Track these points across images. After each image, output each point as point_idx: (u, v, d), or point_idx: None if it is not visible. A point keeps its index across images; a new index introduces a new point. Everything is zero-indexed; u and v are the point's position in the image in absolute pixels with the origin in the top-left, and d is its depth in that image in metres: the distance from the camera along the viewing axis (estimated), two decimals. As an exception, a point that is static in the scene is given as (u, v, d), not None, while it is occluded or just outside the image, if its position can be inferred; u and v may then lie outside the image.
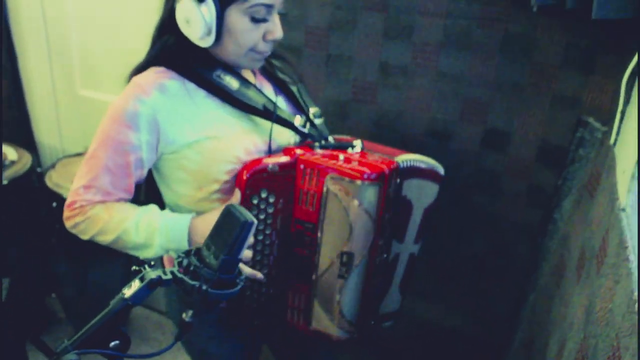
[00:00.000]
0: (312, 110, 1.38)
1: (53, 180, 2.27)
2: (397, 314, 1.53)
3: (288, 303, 1.37)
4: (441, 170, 1.43)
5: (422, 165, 1.37)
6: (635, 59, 1.25)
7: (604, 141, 1.43)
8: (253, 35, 1.19)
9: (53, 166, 2.39)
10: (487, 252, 1.86)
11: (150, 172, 1.30)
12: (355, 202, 1.21)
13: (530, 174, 1.70)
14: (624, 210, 1.10)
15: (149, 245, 1.21)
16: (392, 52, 1.73)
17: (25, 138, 2.76)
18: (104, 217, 1.21)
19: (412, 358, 2.17)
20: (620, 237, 1.03)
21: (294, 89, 1.40)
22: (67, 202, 1.24)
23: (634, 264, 0.92)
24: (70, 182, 1.27)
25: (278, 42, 1.24)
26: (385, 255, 1.34)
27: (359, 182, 1.20)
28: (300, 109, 1.38)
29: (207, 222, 1.19)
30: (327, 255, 1.28)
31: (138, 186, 1.29)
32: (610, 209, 1.17)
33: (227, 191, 1.25)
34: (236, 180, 1.22)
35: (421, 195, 1.39)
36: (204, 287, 0.92)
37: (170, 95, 1.19)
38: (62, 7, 2.44)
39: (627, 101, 1.29)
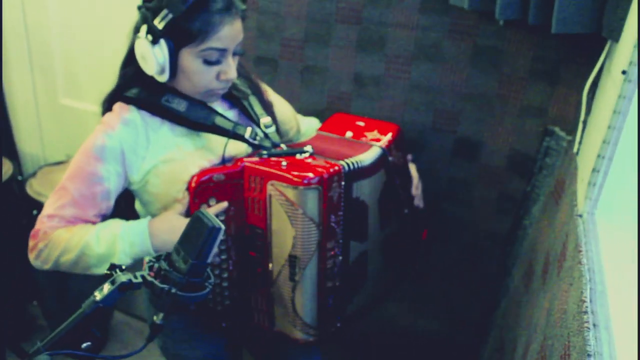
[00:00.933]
0: (263, 120, 1.42)
1: (34, 188, 2.29)
2: (369, 307, 1.56)
3: (252, 305, 1.41)
4: (380, 152, 1.42)
5: (367, 163, 1.37)
6: (595, 70, 1.30)
7: (568, 150, 1.47)
8: (206, 76, 1.24)
9: (34, 174, 2.40)
10: (460, 258, 1.89)
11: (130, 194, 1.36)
12: (296, 207, 1.25)
13: (500, 182, 1.73)
14: (580, 216, 1.15)
15: (112, 254, 1.24)
16: (366, 64, 1.77)
17: (6, 146, 2.77)
18: (65, 236, 1.24)
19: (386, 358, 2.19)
20: (576, 242, 1.08)
21: (245, 103, 1.43)
22: (31, 232, 1.27)
23: (586, 267, 0.97)
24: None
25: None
26: (341, 258, 1.37)
27: (298, 187, 1.23)
28: (252, 121, 1.41)
29: (164, 220, 1.25)
30: (277, 259, 1.32)
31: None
32: (570, 215, 1.21)
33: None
34: (188, 188, 1.26)
35: (373, 191, 1.42)
36: (173, 290, 0.95)
37: (133, 127, 1.26)
38: (43, 16, 2.46)
39: (588, 111, 1.34)
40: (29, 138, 2.80)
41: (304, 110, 1.86)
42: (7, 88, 2.71)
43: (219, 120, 1.32)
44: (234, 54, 1.26)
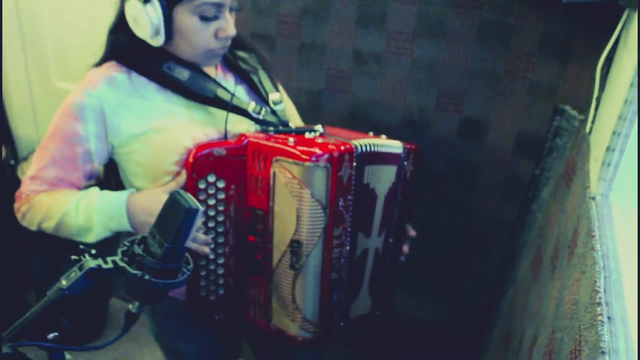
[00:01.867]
0: (272, 97, 1.36)
1: (25, 172, 2.22)
2: (367, 318, 1.48)
3: (248, 297, 1.33)
4: (400, 149, 1.37)
5: (384, 150, 1.31)
6: (611, 43, 1.21)
7: (580, 130, 1.39)
8: (204, 34, 1.17)
9: (25, 159, 2.34)
10: (464, 245, 1.82)
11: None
12: (302, 186, 1.17)
13: (507, 165, 1.66)
14: (593, 198, 1.06)
15: (90, 227, 1.19)
16: (366, 41, 1.68)
17: (0, 130, 2.72)
18: (46, 202, 1.20)
19: (389, 352, 2.12)
20: (589, 226, 0.99)
21: (254, 78, 1.37)
22: (17, 193, 1.24)
23: (599, 254, 0.88)
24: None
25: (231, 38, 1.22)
26: (348, 248, 1.29)
27: (305, 164, 1.15)
28: (261, 98, 1.35)
29: (146, 197, 1.19)
30: (278, 244, 1.24)
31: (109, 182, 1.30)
32: (582, 198, 1.13)
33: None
34: (185, 162, 1.19)
35: (382, 182, 1.34)
36: (147, 277, 0.88)
37: (117, 87, 1.19)
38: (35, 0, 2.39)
39: (601, 88, 1.25)
40: (23, 122, 2.75)
41: (302, 90, 1.79)
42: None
43: (221, 92, 1.24)
44: (231, 9, 1.19)
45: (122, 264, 0.89)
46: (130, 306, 0.94)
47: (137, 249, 0.90)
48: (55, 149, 1.19)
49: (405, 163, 1.39)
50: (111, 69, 1.20)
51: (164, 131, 1.20)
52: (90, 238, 1.21)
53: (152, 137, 1.20)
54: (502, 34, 1.54)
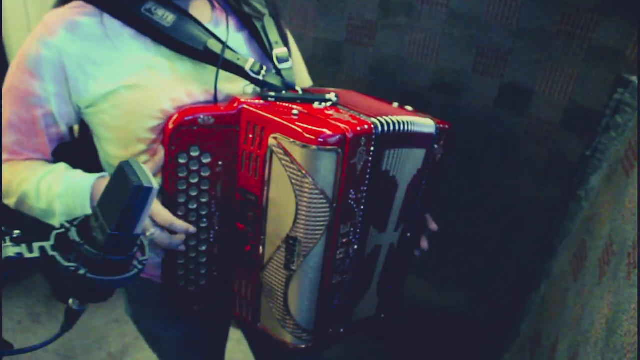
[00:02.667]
0: (278, 51, 1.11)
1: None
2: (372, 320, 1.28)
3: (235, 290, 1.13)
4: (432, 128, 1.14)
5: (412, 129, 1.08)
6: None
7: (648, 106, 1.16)
8: None
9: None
10: (496, 229, 1.64)
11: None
12: (304, 173, 0.95)
13: (552, 141, 1.45)
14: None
15: (52, 213, 1.01)
16: (396, -15, 1.46)
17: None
18: (7, 177, 1.03)
19: (407, 340, 1.97)
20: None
21: (257, 25, 1.13)
22: None
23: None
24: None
25: None
26: (356, 247, 1.08)
27: (310, 146, 0.93)
28: (264, 51, 1.12)
29: None
30: (272, 238, 1.04)
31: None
32: (650, 194, 0.90)
33: (157, 152, 1.01)
34: (163, 130, 0.98)
35: (406, 168, 1.12)
36: (82, 271, 0.68)
37: (82, 35, 0.97)
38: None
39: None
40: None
41: (319, 41, 1.57)
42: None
43: (212, 44, 1.02)
44: None
45: (51, 252, 0.69)
46: (70, 301, 0.76)
47: (74, 234, 0.70)
48: (10, 111, 1.00)
49: (436, 146, 1.16)
50: (75, 10, 0.98)
51: (138, 89, 0.99)
52: (55, 222, 1.03)
53: (123, 96, 0.99)
54: (559, -15, 1.31)
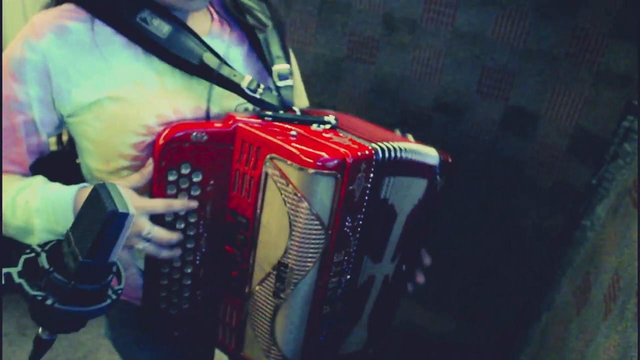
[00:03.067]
0: (279, 68, 1.06)
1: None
2: (358, 356, 1.22)
3: (219, 316, 1.08)
4: (436, 159, 1.09)
5: (414, 158, 1.03)
6: None
7: (659, 135, 1.11)
8: None
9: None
10: (498, 255, 1.58)
11: None
12: (300, 197, 0.90)
13: (558, 168, 1.40)
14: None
15: (30, 230, 0.94)
16: (399, 2, 1.42)
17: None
18: None
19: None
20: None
21: (260, 36, 1.08)
22: None
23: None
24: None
25: None
26: (348, 277, 1.03)
27: (307, 169, 0.88)
28: (265, 65, 1.07)
29: None
30: (262, 263, 0.99)
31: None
32: (663, 231, 0.85)
33: (139, 168, 0.96)
34: (153, 145, 0.93)
35: (406, 197, 1.07)
36: (49, 301, 0.63)
37: (70, 41, 0.92)
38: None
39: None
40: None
41: (319, 57, 1.53)
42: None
43: (208, 58, 0.97)
44: None
45: (18, 279, 0.64)
46: (40, 330, 0.71)
47: (43, 260, 0.65)
48: None
49: (438, 178, 1.11)
50: (65, 14, 0.93)
51: (122, 102, 0.94)
52: (33, 241, 0.95)
53: (107, 108, 0.94)
54: (569, 6, 1.26)
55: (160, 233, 0.92)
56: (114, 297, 0.69)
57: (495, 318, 1.66)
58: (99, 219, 0.62)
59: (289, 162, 0.89)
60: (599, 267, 1.18)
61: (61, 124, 0.98)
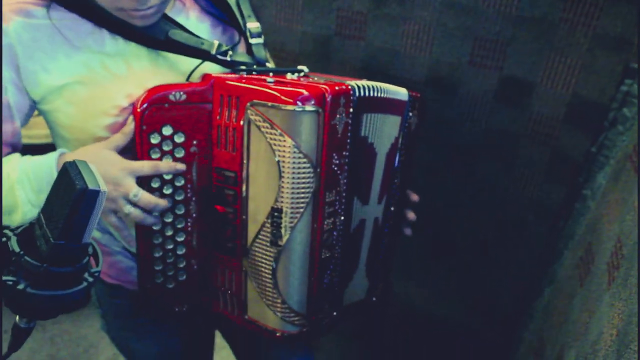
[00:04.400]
0: (251, 25, 1.09)
1: None
2: (363, 305, 1.22)
3: (216, 284, 1.07)
4: (405, 96, 1.13)
5: (387, 95, 1.08)
6: None
7: (659, 98, 1.07)
8: None
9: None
10: (496, 232, 1.53)
11: None
12: (285, 137, 0.92)
13: (555, 138, 1.34)
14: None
15: (14, 205, 0.92)
16: (387, -27, 1.36)
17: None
18: None
19: (401, 350, 1.87)
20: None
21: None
22: None
23: None
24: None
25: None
26: (342, 218, 1.03)
27: (289, 107, 0.90)
28: (235, 25, 1.09)
29: (83, 156, 0.90)
30: (254, 215, 0.99)
31: None
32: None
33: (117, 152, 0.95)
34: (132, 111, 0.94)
35: (383, 135, 1.10)
36: (21, 285, 0.60)
37: (34, 24, 0.92)
38: None
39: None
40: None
41: (306, 35, 1.49)
42: None
43: (175, 34, 0.97)
44: None
45: (-13, 264, 0.61)
46: (17, 319, 0.68)
47: (14, 244, 0.62)
48: None
49: (410, 114, 1.16)
50: None
51: (91, 84, 0.94)
52: (17, 218, 0.94)
53: (76, 92, 0.94)
54: (561, -31, 1.21)
55: (147, 196, 0.91)
56: (90, 279, 0.65)
57: (497, 296, 1.61)
58: (69, 197, 0.59)
59: (269, 104, 0.91)
60: (601, 236, 1.14)
61: (32, 109, 0.98)
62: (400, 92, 1.12)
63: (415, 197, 1.26)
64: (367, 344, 1.95)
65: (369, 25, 1.42)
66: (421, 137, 1.25)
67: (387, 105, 1.09)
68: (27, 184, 0.91)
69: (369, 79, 1.43)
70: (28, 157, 0.94)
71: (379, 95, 1.05)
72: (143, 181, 0.93)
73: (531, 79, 1.32)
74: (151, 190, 0.95)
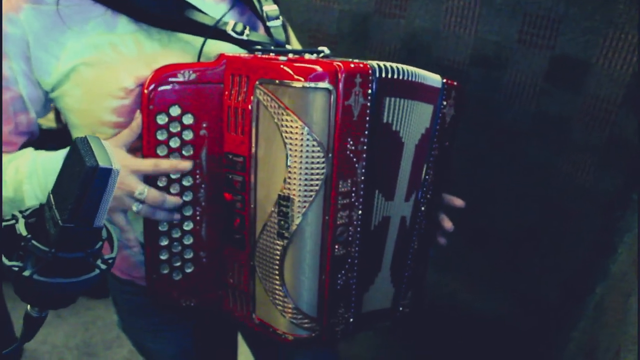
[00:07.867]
0: (268, 8, 1.04)
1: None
2: (388, 314, 1.13)
3: (226, 279, 1.01)
4: (438, 82, 1.04)
5: (413, 79, 0.98)
6: None
7: None
8: None
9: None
10: (545, 223, 1.45)
11: None
12: (294, 117, 0.85)
13: (612, 123, 1.25)
14: None
15: (20, 199, 0.90)
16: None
17: None
18: None
19: (438, 347, 1.80)
20: None
21: None
22: None
23: None
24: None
25: None
26: (360, 213, 0.95)
27: (298, 84, 0.84)
28: (253, 10, 1.05)
29: None
30: (263, 203, 0.93)
31: None
32: None
33: (126, 149, 0.93)
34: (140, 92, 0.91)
35: (412, 124, 1.00)
36: (27, 272, 0.56)
37: (44, 10, 0.89)
38: None
39: None
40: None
41: (344, 14, 1.43)
42: None
43: (190, 12, 0.93)
44: None
45: (-8, 250, 0.57)
46: (28, 307, 0.64)
47: (21, 227, 0.57)
48: None
49: (445, 103, 1.06)
50: None
51: (98, 66, 0.91)
52: None
53: (83, 74, 0.91)
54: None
55: (154, 194, 0.87)
56: (103, 267, 0.60)
57: (544, 292, 1.53)
58: (78, 176, 0.54)
59: (277, 81, 0.85)
60: (663, 230, 1.06)
61: (47, 102, 0.96)
62: (432, 78, 1.03)
63: (459, 202, 1.17)
64: (402, 337, 1.89)
65: (410, 3, 1.35)
66: (462, 125, 1.15)
67: (415, 91, 1.00)
68: (35, 179, 0.89)
69: (409, 60, 1.37)
70: (40, 152, 0.92)
71: (404, 78, 0.96)
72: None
73: (586, 58, 1.23)
74: (156, 177, 0.91)
